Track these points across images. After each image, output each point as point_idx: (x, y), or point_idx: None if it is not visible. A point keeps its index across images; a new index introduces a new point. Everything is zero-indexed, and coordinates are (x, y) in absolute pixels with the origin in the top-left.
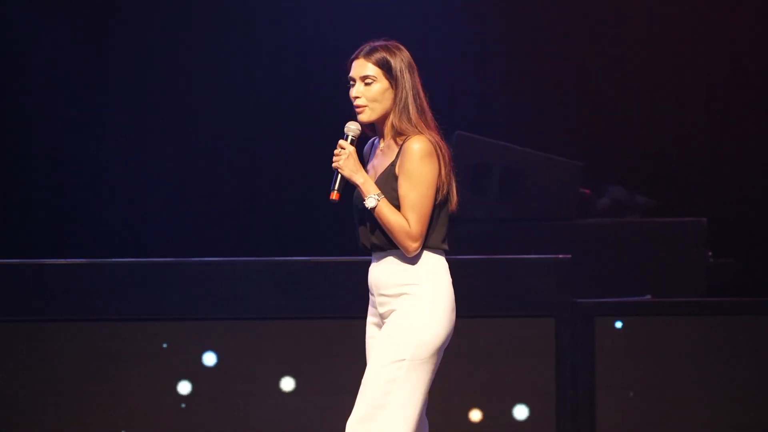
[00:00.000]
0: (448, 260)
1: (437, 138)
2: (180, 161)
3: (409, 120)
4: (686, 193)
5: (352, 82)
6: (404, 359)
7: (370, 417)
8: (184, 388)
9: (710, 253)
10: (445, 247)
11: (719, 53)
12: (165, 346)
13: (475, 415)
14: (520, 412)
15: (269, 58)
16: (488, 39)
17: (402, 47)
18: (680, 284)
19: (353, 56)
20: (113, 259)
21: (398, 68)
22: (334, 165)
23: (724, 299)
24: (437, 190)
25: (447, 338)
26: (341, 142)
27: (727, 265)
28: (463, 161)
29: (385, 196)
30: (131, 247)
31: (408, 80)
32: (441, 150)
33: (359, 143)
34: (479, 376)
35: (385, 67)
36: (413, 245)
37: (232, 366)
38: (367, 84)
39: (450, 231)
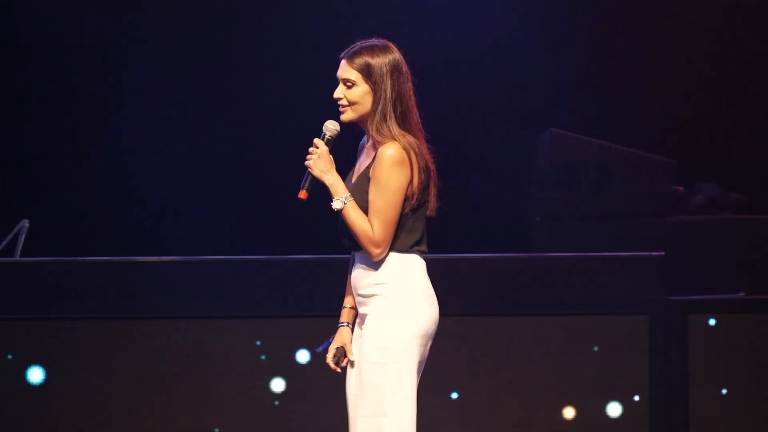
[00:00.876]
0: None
1: (414, 144)
2: (232, 159)
3: (386, 125)
4: None
5: (338, 80)
6: (386, 362)
7: (370, 426)
8: (278, 385)
9: None
10: (422, 248)
11: None
12: (258, 343)
13: (569, 413)
14: (614, 409)
15: (300, 59)
16: (582, 36)
17: (391, 48)
18: None
19: (341, 55)
20: (206, 257)
21: (379, 73)
22: (306, 163)
23: None
24: (407, 198)
25: (425, 336)
26: (316, 140)
27: None
28: (556, 159)
29: (359, 199)
30: (213, 245)
31: (390, 85)
32: (415, 157)
33: (354, 137)
34: (573, 373)
35: (366, 72)
36: (375, 251)
37: (326, 363)
38: (348, 86)
39: (427, 233)
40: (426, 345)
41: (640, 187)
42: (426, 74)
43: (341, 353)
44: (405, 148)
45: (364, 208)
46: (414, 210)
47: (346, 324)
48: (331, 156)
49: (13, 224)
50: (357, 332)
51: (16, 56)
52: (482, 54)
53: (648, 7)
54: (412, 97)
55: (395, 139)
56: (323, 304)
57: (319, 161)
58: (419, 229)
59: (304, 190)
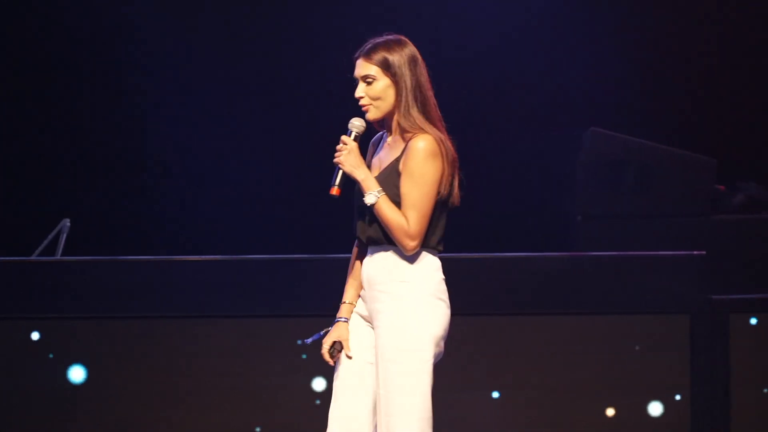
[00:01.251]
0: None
1: (443, 136)
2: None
3: (413, 116)
4: None
5: (355, 82)
6: (408, 362)
7: (397, 426)
8: (319, 384)
9: None
10: (440, 248)
11: None
12: (300, 342)
13: (610, 412)
14: (655, 408)
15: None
16: (623, 34)
17: (405, 41)
18: None
19: (356, 55)
20: (246, 256)
21: (398, 64)
22: (335, 160)
23: None
24: (439, 190)
25: (441, 336)
26: (344, 137)
27: None
28: (597, 158)
29: (387, 193)
30: (255, 243)
31: (409, 76)
32: (445, 148)
33: (366, 137)
34: (614, 372)
35: (384, 65)
36: (411, 244)
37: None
38: (368, 83)
39: (447, 229)
40: (442, 344)
41: (680, 186)
42: (468, 71)
43: (338, 348)
44: (437, 140)
45: (395, 202)
46: (441, 205)
47: (344, 320)
48: (359, 152)
49: (55, 223)
50: (362, 326)
51: (55, 58)
52: (524, 51)
53: (688, 5)
54: (431, 87)
55: (425, 131)
56: None
57: (350, 157)
58: (442, 225)
59: (336, 187)
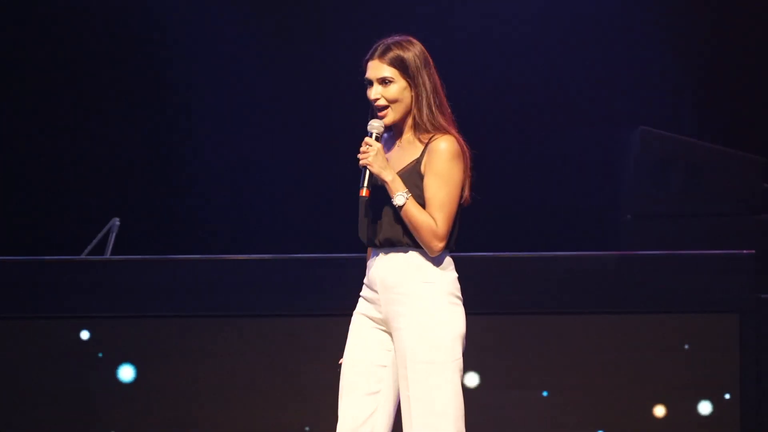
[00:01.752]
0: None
1: (460, 136)
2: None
3: (431, 116)
4: None
5: (368, 84)
6: (438, 362)
7: (434, 426)
8: None
9: None
10: (454, 248)
11: None
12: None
13: (659, 411)
14: (704, 407)
15: None
16: (672, 34)
17: (415, 42)
18: None
19: (367, 57)
20: (295, 255)
21: (414, 65)
22: (362, 162)
23: None
24: (462, 191)
25: (464, 331)
26: (367, 139)
27: None
28: (646, 157)
29: (412, 194)
30: (303, 242)
31: (425, 76)
32: (465, 149)
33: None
34: (663, 371)
35: (401, 66)
36: (439, 245)
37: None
38: (384, 84)
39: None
40: (464, 342)
41: (729, 184)
42: (519, 68)
43: None
44: (458, 141)
45: (418, 203)
46: (461, 205)
47: None
48: (383, 153)
49: (104, 222)
50: (368, 327)
51: (103, 59)
52: (573, 49)
53: (738, 3)
54: (443, 87)
55: (448, 132)
56: None
57: (378, 158)
58: (458, 225)
59: (366, 188)
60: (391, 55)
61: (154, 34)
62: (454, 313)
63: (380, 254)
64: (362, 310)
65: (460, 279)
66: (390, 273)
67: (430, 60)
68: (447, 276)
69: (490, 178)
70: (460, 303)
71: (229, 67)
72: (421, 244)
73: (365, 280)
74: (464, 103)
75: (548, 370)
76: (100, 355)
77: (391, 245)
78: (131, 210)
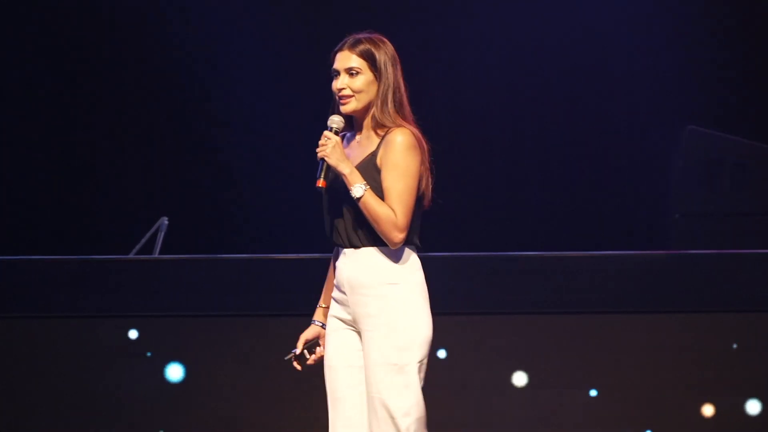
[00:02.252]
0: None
1: (417, 131)
2: None
3: (390, 112)
4: None
5: (335, 74)
6: (407, 363)
7: (395, 427)
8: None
9: None
10: (418, 243)
11: None
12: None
13: (708, 410)
14: (753, 407)
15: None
16: (721, 32)
17: (386, 40)
18: None
19: (337, 48)
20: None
21: (382, 61)
22: (320, 155)
23: None
24: (419, 183)
25: (431, 333)
26: (326, 132)
27: None
28: (695, 156)
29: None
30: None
31: (391, 73)
32: (422, 143)
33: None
34: (712, 370)
35: (370, 59)
36: (400, 236)
37: (461, 360)
38: (351, 75)
39: (422, 227)
40: (428, 345)
41: None
42: (566, 68)
43: (313, 349)
44: (414, 134)
45: (376, 194)
46: (418, 199)
47: (320, 324)
48: (341, 146)
49: (153, 221)
50: (342, 329)
51: (149, 61)
52: (621, 49)
53: None
54: (407, 89)
55: (403, 126)
56: (463, 301)
57: (335, 150)
58: (419, 222)
59: (322, 179)
60: (361, 47)
61: (200, 34)
62: (419, 316)
63: (346, 253)
64: (333, 312)
65: (515, 278)
66: (356, 274)
67: (399, 61)
68: (413, 277)
69: (540, 177)
70: (425, 305)
71: (272, 67)
72: (381, 236)
73: (335, 281)
74: (515, 101)
75: (597, 369)
76: (149, 354)
77: (357, 245)
78: (180, 209)
